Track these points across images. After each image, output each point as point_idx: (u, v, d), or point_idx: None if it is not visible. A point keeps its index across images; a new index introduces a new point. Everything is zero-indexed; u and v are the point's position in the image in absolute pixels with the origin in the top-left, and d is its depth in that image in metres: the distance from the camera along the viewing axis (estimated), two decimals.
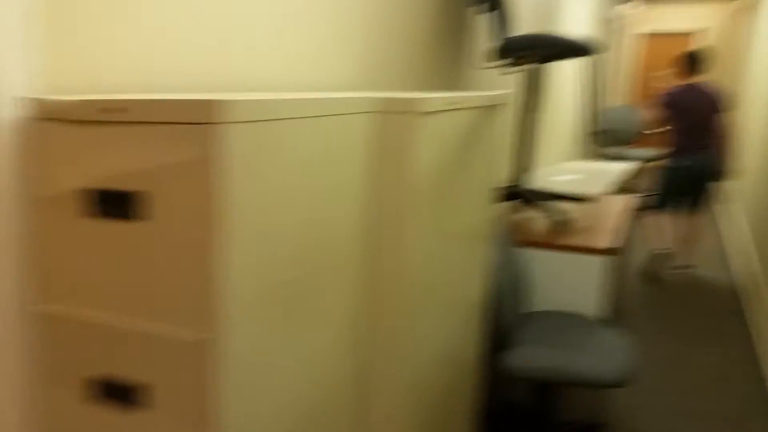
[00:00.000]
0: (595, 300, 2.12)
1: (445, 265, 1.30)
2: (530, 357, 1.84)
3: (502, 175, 2.51)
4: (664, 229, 4.00)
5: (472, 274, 1.53)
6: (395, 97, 1.04)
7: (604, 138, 6.37)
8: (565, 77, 5.29)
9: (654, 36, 9.51)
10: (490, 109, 1.49)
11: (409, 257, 1.08)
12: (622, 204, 2.81)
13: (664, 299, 3.76)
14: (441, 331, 1.33)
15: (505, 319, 1.91)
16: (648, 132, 4.67)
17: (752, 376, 2.77)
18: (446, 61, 2.35)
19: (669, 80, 8.45)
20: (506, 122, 2.78)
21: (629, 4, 8.81)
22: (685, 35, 9.23)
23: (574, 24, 5.36)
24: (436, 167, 1.16)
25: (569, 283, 2.14)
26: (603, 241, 2.13)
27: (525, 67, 2.45)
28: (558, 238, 2.16)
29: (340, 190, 0.98)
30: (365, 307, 1.12)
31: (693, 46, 8.25)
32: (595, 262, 2.07)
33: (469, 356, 1.62)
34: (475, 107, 1.37)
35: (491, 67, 2.83)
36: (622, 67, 9.42)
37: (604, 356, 1.84)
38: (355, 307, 1.09)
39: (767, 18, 5.63)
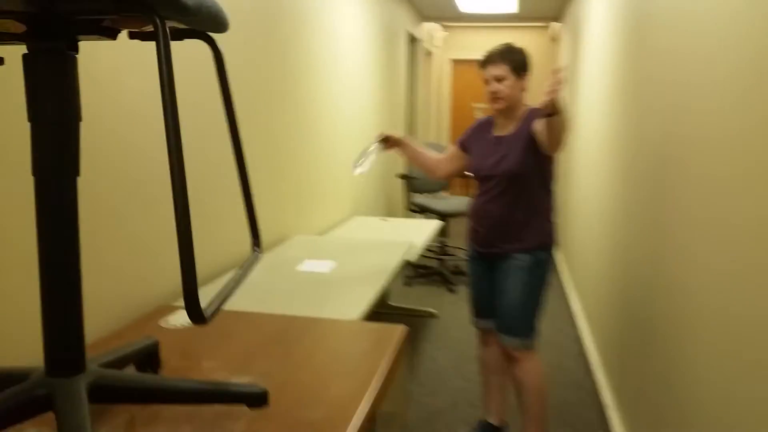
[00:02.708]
0: None
1: None
2: None
3: None
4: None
5: None
6: None
7: (412, 183, 5.00)
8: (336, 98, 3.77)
9: (465, 63, 8.63)
10: None
11: None
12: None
13: None
14: None
15: None
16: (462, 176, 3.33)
17: None
18: None
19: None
20: None
21: (433, 25, 7.76)
22: None
23: (345, 29, 3.89)
24: None
25: None
26: None
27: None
28: None
29: None
30: None
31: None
32: None
33: None
34: None
35: None
36: (433, 95, 8.36)
37: None
38: None
39: (568, 47, 4.69)
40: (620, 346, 2.49)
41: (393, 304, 4.14)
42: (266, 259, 2.35)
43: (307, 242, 2.69)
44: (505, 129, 2.24)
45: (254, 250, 1.07)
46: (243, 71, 2.34)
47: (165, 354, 1.35)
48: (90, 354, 1.32)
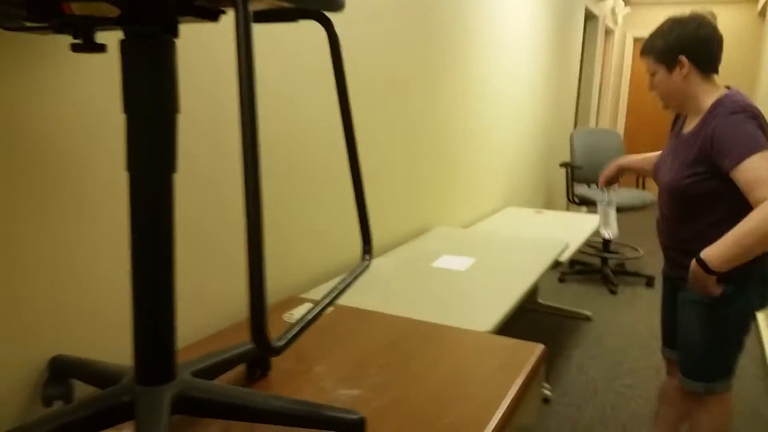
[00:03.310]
0: None
1: None
2: None
3: None
4: None
5: None
6: None
7: (576, 173, 4.60)
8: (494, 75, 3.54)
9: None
10: None
11: None
12: None
13: None
14: None
15: None
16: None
17: None
18: None
19: None
20: None
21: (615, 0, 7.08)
22: None
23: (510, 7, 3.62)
24: None
25: None
26: None
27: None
28: None
29: None
30: None
31: None
32: None
33: None
34: None
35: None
36: (612, 78, 7.68)
37: None
38: None
39: None
40: None
41: (543, 301, 3.86)
42: (401, 253, 2.25)
43: (448, 235, 2.55)
44: (690, 124, 1.77)
45: (364, 258, 0.95)
46: (382, 50, 2.23)
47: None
48: (196, 353, 1.30)
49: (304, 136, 1.76)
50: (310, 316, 0.71)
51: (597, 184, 2.09)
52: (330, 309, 1.56)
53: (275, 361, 1.25)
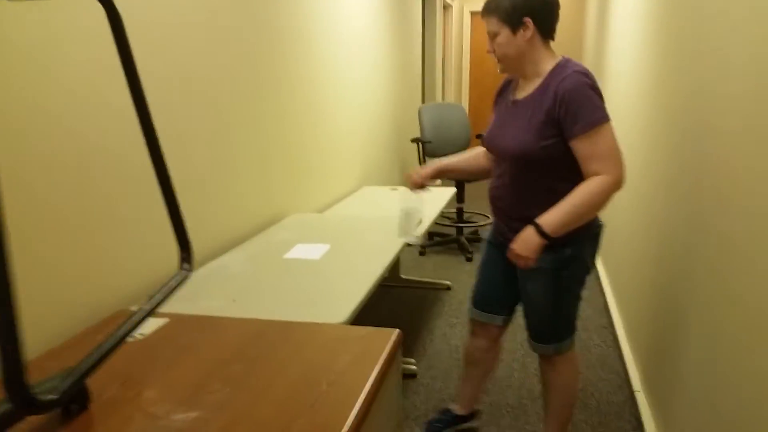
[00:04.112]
0: None
1: None
2: None
3: None
4: None
5: None
6: None
7: (426, 147, 4.69)
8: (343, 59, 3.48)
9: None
10: None
11: None
12: None
13: None
14: None
15: None
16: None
17: None
18: None
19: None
20: None
21: None
22: None
23: None
24: None
25: None
26: None
27: None
28: None
29: None
30: None
31: None
32: None
33: None
34: None
35: None
36: (452, 52, 7.94)
37: None
38: None
39: None
40: (652, 333, 2.23)
41: (405, 276, 3.92)
42: (251, 246, 2.12)
43: (302, 222, 2.46)
44: (524, 90, 1.73)
45: (183, 267, 0.83)
46: (222, 35, 2.06)
47: (105, 378, 1.13)
48: None
49: (106, 132, 1.56)
50: (96, 356, 0.58)
51: (412, 189, 1.97)
52: (157, 323, 1.40)
53: (101, 386, 1.09)
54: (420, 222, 2.03)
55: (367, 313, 3.41)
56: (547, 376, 1.94)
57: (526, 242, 1.65)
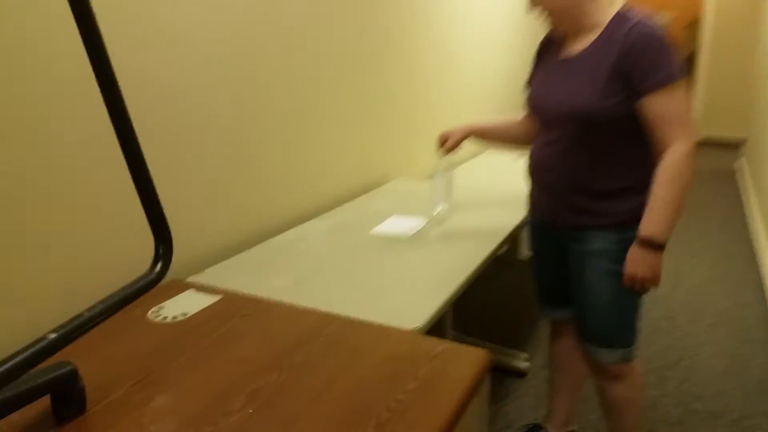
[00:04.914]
0: None
1: None
2: None
3: None
4: None
5: None
6: None
7: None
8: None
9: None
10: None
11: None
12: None
13: None
14: None
15: None
16: None
17: None
18: None
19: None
20: None
21: None
22: None
23: None
24: None
25: None
26: None
27: None
28: None
29: None
30: None
31: None
32: None
33: None
34: None
35: None
36: None
37: None
38: None
39: None
40: None
41: (523, 258, 3.53)
42: (340, 214, 1.89)
43: (404, 190, 2.18)
44: (577, 45, 1.44)
45: (153, 267, 0.59)
46: None
47: (123, 369, 0.95)
48: None
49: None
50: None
51: (443, 154, 1.73)
52: (207, 300, 1.20)
53: (107, 383, 0.91)
54: (446, 192, 1.79)
55: (475, 290, 3.10)
56: (611, 390, 1.60)
57: (644, 263, 1.39)
